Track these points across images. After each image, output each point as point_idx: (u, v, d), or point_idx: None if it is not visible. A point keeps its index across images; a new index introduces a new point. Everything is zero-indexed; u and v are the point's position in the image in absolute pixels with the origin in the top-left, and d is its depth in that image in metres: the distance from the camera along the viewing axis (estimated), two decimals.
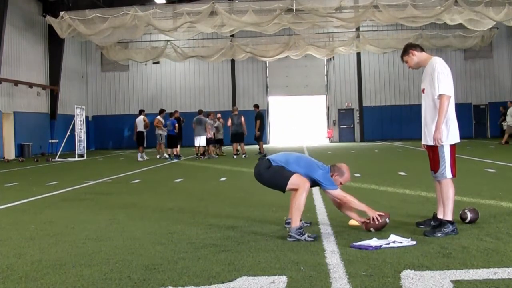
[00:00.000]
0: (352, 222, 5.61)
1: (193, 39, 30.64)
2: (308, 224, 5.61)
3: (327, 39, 31.42)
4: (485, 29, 27.28)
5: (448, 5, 22.96)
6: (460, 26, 26.95)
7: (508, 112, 22.63)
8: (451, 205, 5.07)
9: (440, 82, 5.02)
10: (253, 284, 3.61)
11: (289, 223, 5.26)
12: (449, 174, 5.08)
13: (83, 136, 23.61)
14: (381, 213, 5.28)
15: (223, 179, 11.61)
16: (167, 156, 19.98)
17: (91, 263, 4.31)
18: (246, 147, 21.04)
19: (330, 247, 4.61)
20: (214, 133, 20.54)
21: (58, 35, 25.64)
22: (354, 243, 4.63)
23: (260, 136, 20.63)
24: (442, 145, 5.08)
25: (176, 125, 19.43)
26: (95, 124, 34.25)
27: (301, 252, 4.46)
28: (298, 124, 34.70)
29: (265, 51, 30.52)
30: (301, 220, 5.39)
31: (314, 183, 5.21)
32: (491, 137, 31.75)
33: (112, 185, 11.14)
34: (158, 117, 20.28)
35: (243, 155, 19.77)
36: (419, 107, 5.47)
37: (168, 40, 30.12)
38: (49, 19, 25.10)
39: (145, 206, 7.71)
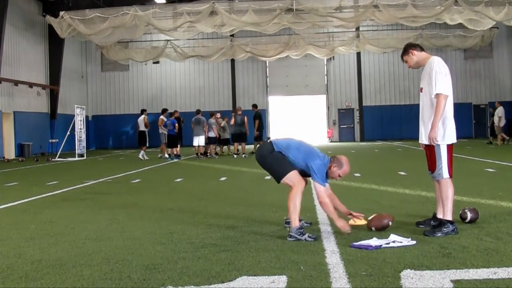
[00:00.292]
0: (352, 222, 5.62)
1: (193, 39, 30.63)
2: (309, 224, 5.61)
3: (327, 39, 31.40)
4: (485, 29, 27.26)
5: (448, 4, 22.95)
6: (460, 26, 26.93)
7: (495, 113, 22.75)
8: (450, 205, 5.07)
9: (437, 81, 5.02)
10: (253, 284, 3.61)
11: (288, 222, 5.26)
12: (446, 174, 5.08)
13: (83, 136, 23.61)
14: (385, 215, 5.31)
15: (223, 179, 11.61)
16: (167, 156, 19.98)
17: (91, 263, 4.32)
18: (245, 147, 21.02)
19: (330, 247, 4.61)
20: (219, 133, 20.53)
21: (58, 35, 25.62)
22: (354, 243, 4.64)
23: (259, 135, 20.65)
24: (439, 145, 5.08)
25: (176, 125, 19.43)
26: (95, 124, 34.26)
27: (301, 252, 4.46)
28: (298, 124, 34.68)
29: (265, 51, 30.51)
30: (301, 220, 5.41)
31: (307, 172, 5.19)
32: (491, 137, 31.69)
33: (112, 185, 11.14)
34: (162, 116, 20.28)
35: (243, 155, 19.78)
36: (419, 107, 5.46)
37: (168, 40, 30.12)
38: (49, 19, 25.09)
39: (145, 206, 7.71)
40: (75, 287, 3.70)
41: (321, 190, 5.15)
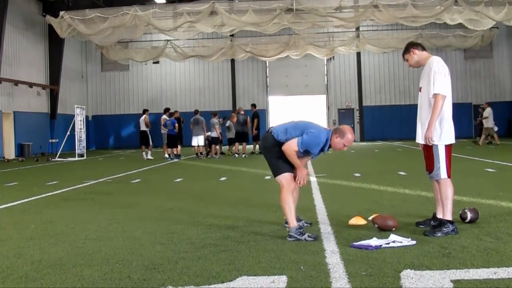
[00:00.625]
0: (352, 221, 5.62)
1: (193, 39, 30.64)
2: (309, 225, 5.61)
3: (327, 39, 31.40)
4: (485, 29, 27.28)
5: (448, 4, 22.96)
6: (460, 26, 26.93)
7: (483, 114, 22.82)
8: (450, 205, 5.07)
9: (436, 81, 5.01)
10: (253, 284, 3.61)
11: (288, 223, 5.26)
12: (443, 175, 5.07)
13: (83, 136, 23.61)
14: (391, 218, 5.33)
15: (223, 179, 11.61)
16: (167, 156, 19.99)
17: (91, 263, 4.32)
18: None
19: (330, 247, 4.61)
20: (220, 133, 20.53)
21: (58, 35, 25.64)
22: (354, 243, 4.63)
23: (257, 135, 20.69)
24: (437, 146, 5.07)
25: (176, 125, 19.44)
26: (95, 124, 34.26)
27: (301, 252, 4.46)
28: None
29: (265, 50, 30.52)
30: (301, 220, 5.41)
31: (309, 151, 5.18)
32: (491, 137, 31.68)
33: (112, 185, 11.13)
34: (164, 116, 20.28)
35: (243, 155, 19.79)
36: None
37: (168, 40, 30.13)
38: (49, 18, 25.10)
39: (145, 206, 7.71)
40: (75, 287, 3.70)
41: (291, 147, 5.04)
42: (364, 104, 33.90)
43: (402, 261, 4.06)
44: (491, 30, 29.68)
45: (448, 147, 5.12)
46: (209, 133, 20.32)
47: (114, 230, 5.75)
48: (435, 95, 4.99)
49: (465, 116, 32.15)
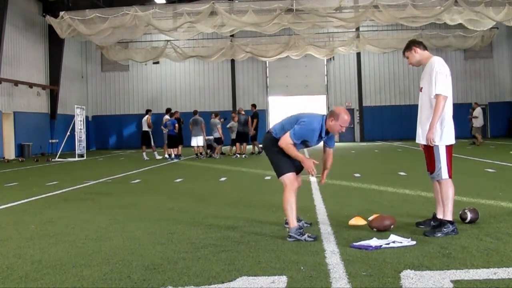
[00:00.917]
0: (352, 222, 5.62)
1: (193, 39, 30.63)
2: (309, 225, 5.61)
3: (327, 39, 31.41)
4: (485, 29, 27.27)
5: (448, 5, 22.96)
6: (460, 26, 26.94)
7: (473, 113, 22.88)
8: (450, 205, 5.07)
9: (437, 82, 5.01)
10: (253, 284, 3.61)
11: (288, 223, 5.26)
12: (445, 175, 5.07)
13: (83, 136, 23.61)
14: (388, 217, 5.33)
15: (223, 179, 11.61)
16: (167, 156, 19.99)
17: (91, 263, 4.32)
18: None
19: (330, 247, 4.61)
20: (222, 133, 20.52)
21: (58, 35, 25.64)
22: (354, 243, 4.63)
23: (255, 135, 20.72)
24: (438, 146, 5.07)
25: (176, 125, 19.44)
26: (95, 124, 34.26)
27: (301, 252, 4.46)
28: None
29: (265, 51, 30.52)
30: (301, 220, 5.41)
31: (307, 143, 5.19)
32: (491, 137, 31.74)
33: (112, 185, 11.13)
34: (166, 116, 20.26)
35: (243, 156, 19.80)
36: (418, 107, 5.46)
37: (168, 40, 30.13)
38: (49, 19, 25.10)
39: (145, 206, 7.71)
40: (75, 287, 3.70)
41: (285, 140, 5.04)
42: (364, 104, 33.90)
43: (402, 261, 4.06)
44: (491, 31, 29.68)
45: (449, 148, 5.12)
46: (210, 137, 20.26)
47: (114, 230, 5.75)
48: (437, 96, 4.99)
49: (465, 117, 32.04)
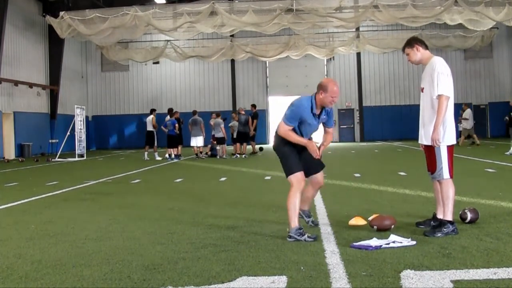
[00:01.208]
0: (352, 222, 5.62)
1: (193, 39, 30.64)
2: (313, 225, 5.56)
3: (327, 39, 31.41)
4: (485, 29, 27.28)
5: (448, 5, 22.97)
6: (460, 26, 26.95)
7: (463, 115, 22.92)
8: (451, 205, 5.06)
9: (439, 82, 5.00)
10: (253, 284, 3.61)
11: (305, 215, 5.36)
12: (446, 175, 5.07)
13: (83, 136, 23.61)
14: (388, 217, 5.33)
15: (223, 179, 11.61)
16: (167, 156, 19.99)
17: (91, 263, 4.31)
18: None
19: (330, 247, 4.61)
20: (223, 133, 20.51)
21: (58, 35, 25.65)
22: (354, 243, 4.63)
23: (254, 136, 20.74)
24: (439, 146, 5.07)
25: (176, 125, 19.44)
26: (95, 124, 34.26)
27: (301, 252, 4.45)
28: None
29: (265, 51, 30.52)
30: (310, 216, 5.37)
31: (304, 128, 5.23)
32: (491, 137, 31.75)
33: (112, 185, 11.14)
34: (169, 116, 20.23)
35: (243, 156, 19.80)
36: (419, 107, 5.46)
37: (168, 40, 30.13)
38: (49, 19, 25.11)
39: (145, 206, 7.71)
40: (75, 287, 3.70)
41: (282, 128, 5.13)
42: (364, 104, 33.90)
43: (402, 261, 4.06)
44: (491, 31, 29.69)
45: (450, 147, 5.13)
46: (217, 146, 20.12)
47: (114, 230, 5.75)
48: (439, 96, 4.98)
49: None
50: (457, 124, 23.54)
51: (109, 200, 8.56)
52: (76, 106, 23.81)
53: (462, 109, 23.71)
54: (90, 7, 25.60)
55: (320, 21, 25.81)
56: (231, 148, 22.61)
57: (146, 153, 20.24)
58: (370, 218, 5.46)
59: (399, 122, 32.93)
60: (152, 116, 20.26)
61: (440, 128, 4.98)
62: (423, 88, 5.24)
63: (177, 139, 19.64)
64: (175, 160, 18.99)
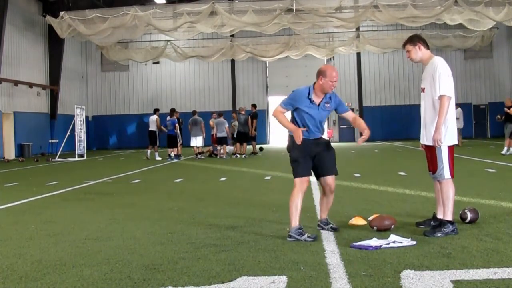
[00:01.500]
0: (352, 222, 5.62)
1: (193, 39, 30.64)
2: (333, 231, 5.28)
3: (327, 39, 31.41)
4: (485, 29, 27.28)
5: (448, 5, 22.97)
6: (460, 26, 26.95)
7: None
8: (451, 205, 5.06)
9: (441, 83, 4.99)
10: (253, 284, 3.61)
11: (322, 225, 5.31)
12: (447, 175, 5.07)
13: (83, 136, 23.61)
14: (388, 216, 5.33)
15: (223, 179, 11.61)
16: (172, 156, 19.96)
17: (91, 263, 4.31)
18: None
19: (330, 247, 4.61)
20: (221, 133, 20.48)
21: (58, 35, 25.66)
22: (354, 243, 4.63)
23: (255, 136, 20.72)
24: (440, 146, 5.06)
25: (176, 125, 19.44)
26: (95, 124, 34.26)
27: (301, 252, 4.45)
28: None
29: (265, 51, 30.52)
30: (329, 224, 5.33)
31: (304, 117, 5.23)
32: (491, 137, 31.75)
33: (112, 185, 11.13)
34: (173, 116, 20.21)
35: (243, 156, 19.79)
36: (419, 107, 5.45)
37: (168, 40, 30.13)
38: (49, 19, 25.11)
39: (145, 206, 7.71)
40: (75, 287, 3.70)
41: (275, 109, 5.24)
42: (364, 104, 33.91)
43: (402, 261, 4.06)
44: (491, 31, 29.69)
45: (451, 148, 5.12)
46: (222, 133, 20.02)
47: (114, 230, 5.75)
48: (441, 97, 4.97)
49: (465, 117, 32.04)
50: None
51: (109, 200, 8.56)
52: (76, 106, 23.81)
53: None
54: (90, 7, 25.61)
55: (320, 21, 25.81)
56: (231, 148, 22.58)
57: (149, 151, 20.24)
58: (370, 218, 5.46)
59: (399, 122, 32.93)
60: (156, 116, 20.23)
61: (441, 129, 4.98)
62: (424, 88, 5.23)
63: (177, 139, 19.60)
64: (175, 160, 18.98)
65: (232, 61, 33.47)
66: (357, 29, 30.59)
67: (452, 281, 3.51)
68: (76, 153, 22.70)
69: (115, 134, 34.66)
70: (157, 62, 33.73)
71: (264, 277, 3.76)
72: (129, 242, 5.12)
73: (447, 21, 25.10)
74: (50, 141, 28.47)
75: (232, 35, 29.57)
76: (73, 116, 23.56)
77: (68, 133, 23.05)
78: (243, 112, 20.56)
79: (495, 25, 27.31)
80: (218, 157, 19.77)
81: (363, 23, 28.92)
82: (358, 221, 5.60)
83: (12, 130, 25.19)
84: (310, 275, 3.76)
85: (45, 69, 28.79)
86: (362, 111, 33.78)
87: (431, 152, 5.18)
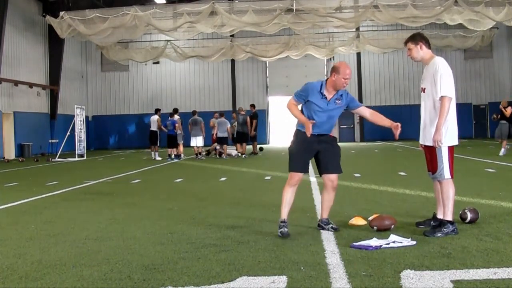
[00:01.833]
0: (352, 222, 5.62)
1: (193, 39, 30.64)
2: (333, 230, 5.27)
3: (327, 39, 31.40)
4: (485, 29, 27.28)
5: (448, 5, 22.96)
6: (460, 26, 26.94)
7: None
8: (451, 205, 5.06)
9: (442, 83, 4.98)
10: (253, 284, 3.61)
11: (321, 224, 5.34)
12: (447, 175, 5.07)
13: (83, 136, 23.61)
14: (388, 216, 5.34)
15: (223, 179, 11.61)
16: (172, 157, 19.96)
17: (91, 263, 4.31)
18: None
19: (330, 247, 4.61)
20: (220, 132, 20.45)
21: (58, 35, 25.65)
22: (354, 243, 4.63)
23: (255, 136, 20.71)
24: (440, 147, 5.06)
25: (177, 125, 19.43)
26: (95, 124, 34.26)
27: (301, 252, 4.45)
28: None
29: (265, 51, 30.51)
30: (329, 224, 5.33)
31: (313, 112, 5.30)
32: (491, 137, 31.73)
33: (112, 185, 11.13)
34: (177, 116, 20.19)
35: (243, 156, 19.79)
36: (419, 107, 5.46)
37: (168, 40, 30.13)
38: (49, 19, 25.11)
39: (145, 206, 7.71)
40: (75, 287, 3.70)
41: (288, 101, 5.45)
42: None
43: (402, 261, 4.06)
44: (491, 30, 29.68)
45: (451, 148, 5.12)
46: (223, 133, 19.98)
47: (114, 230, 5.75)
48: (442, 98, 4.96)
49: (465, 117, 32.14)
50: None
51: (109, 200, 8.55)
52: (76, 106, 23.81)
53: None
54: (90, 7, 25.60)
55: (320, 21, 25.80)
56: (236, 152, 22.56)
57: (152, 152, 20.21)
58: (370, 218, 5.45)
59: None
60: (157, 116, 20.22)
61: (442, 129, 4.98)
62: (424, 88, 5.22)
63: (177, 139, 19.59)
64: (175, 160, 18.98)
65: (232, 61, 33.47)
66: (357, 29, 30.59)
67: (452, 281, 3.51)
68: (76, 153, 22.71)
69: (115, 134, 34.66)
70: (157, 62, 33.74)
71: (264, 277, 3.76)
72: (129, 242, 5.11)
73: (447, 21, 25.09)
74: (50, 141, 28.47)
75: (232, 35, 29.57)
76: (73, 116, 23.57)
77: (68, 133, 23.05)
78: (242, 112, 20.56)
79: (495, 25, 27.31)
80: (224, 156, 19.63)
81: (363, 23, 28.92)
82: (358, 221, 5.60)
83: (12, 130, 25.19)
84: (310, 275, 3.76)
85: (45, 69, 28.79)
86: None
87: (430, 152, 5.17)
